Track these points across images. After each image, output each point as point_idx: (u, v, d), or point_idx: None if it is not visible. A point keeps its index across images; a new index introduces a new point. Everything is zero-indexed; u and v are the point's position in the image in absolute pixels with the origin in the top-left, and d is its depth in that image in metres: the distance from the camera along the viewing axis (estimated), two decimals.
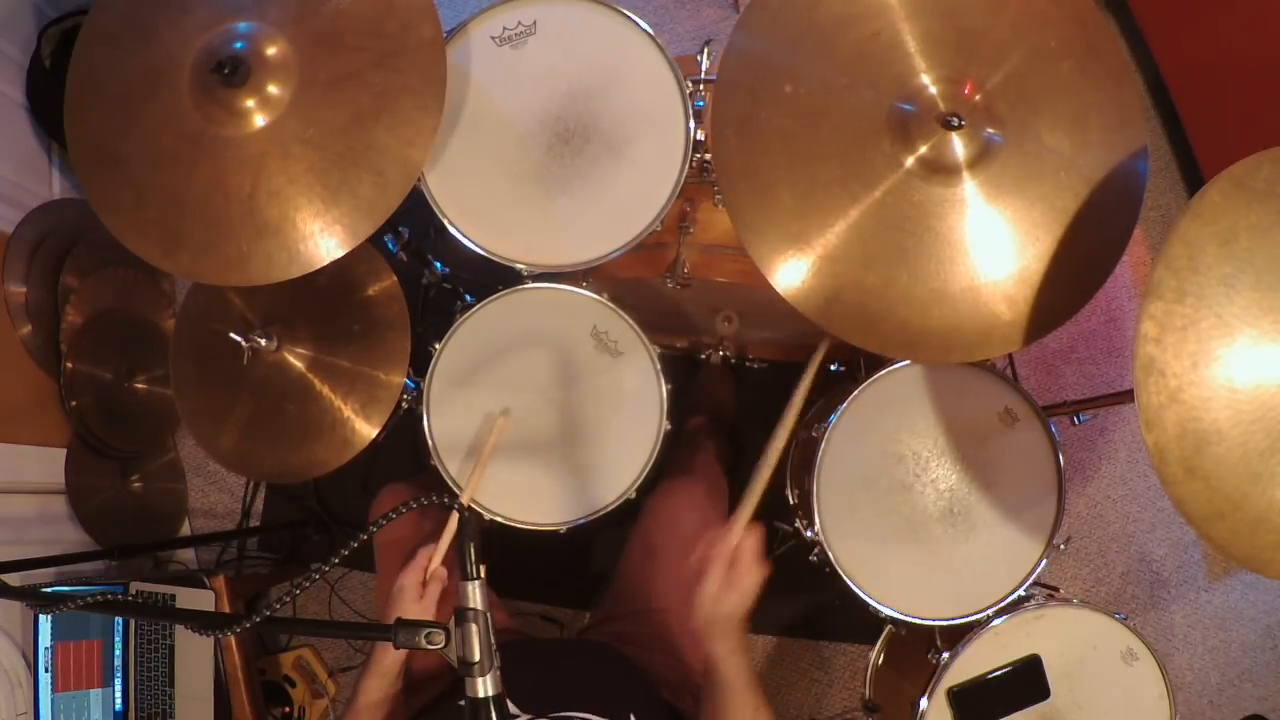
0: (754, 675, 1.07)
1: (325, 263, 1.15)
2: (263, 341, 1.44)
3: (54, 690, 1.66)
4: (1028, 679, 1.35)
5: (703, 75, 1.32)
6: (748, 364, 1.98)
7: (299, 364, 1.50)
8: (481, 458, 1.26)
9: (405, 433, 1.45)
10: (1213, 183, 1.01)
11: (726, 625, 1.04)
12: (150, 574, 2.01)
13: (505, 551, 1.42)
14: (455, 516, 1.16)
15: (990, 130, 1.13)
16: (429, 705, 1.21)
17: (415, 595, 1.14)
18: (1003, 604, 1.34)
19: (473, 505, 1.32)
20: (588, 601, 2.10)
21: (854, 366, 1.69)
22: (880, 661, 1.66)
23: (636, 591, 1.43)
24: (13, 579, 1.01)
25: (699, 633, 1.06)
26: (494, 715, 0.75)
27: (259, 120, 1.16)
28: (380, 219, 1.15)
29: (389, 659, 1.13)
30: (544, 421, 1.36)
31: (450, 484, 1.35)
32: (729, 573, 1.02)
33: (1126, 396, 1.42)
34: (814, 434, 1.41)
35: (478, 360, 1.36)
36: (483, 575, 0.79)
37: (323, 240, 1.15)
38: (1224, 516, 1.00)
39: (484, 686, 0.76)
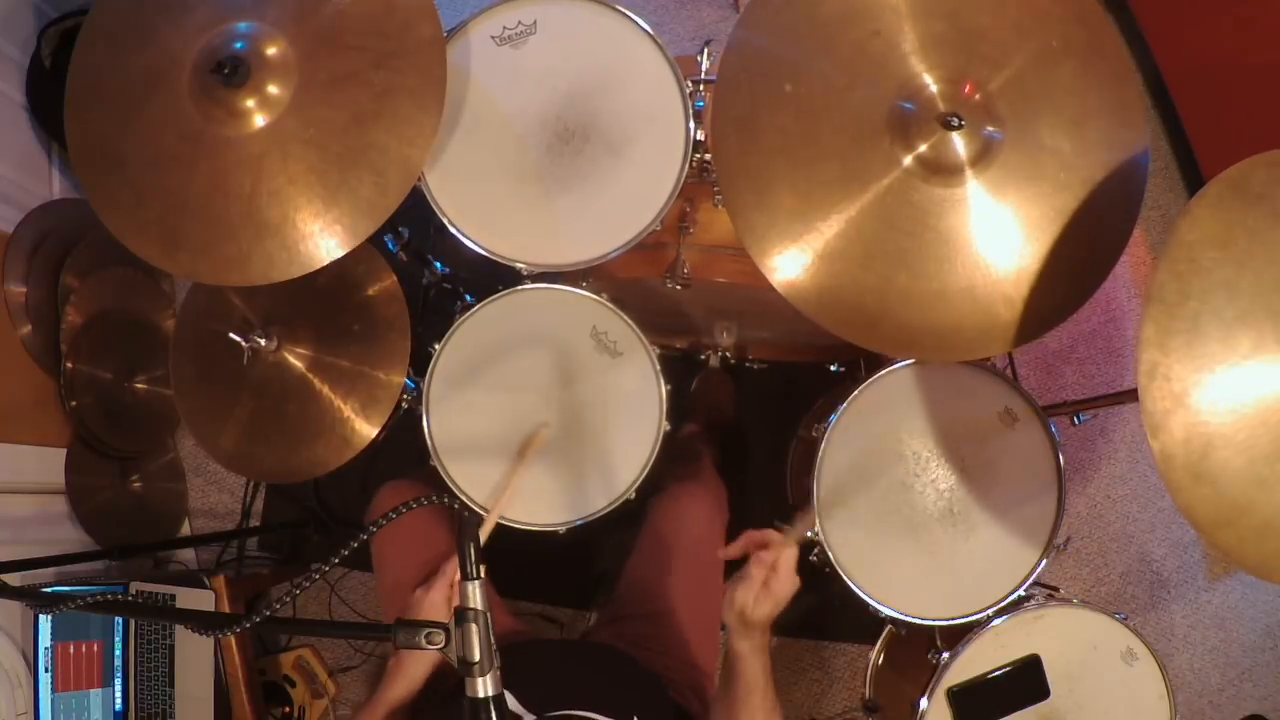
0: (772, 677, 1.09)
1: (325, 263, 1.15)
2: (263, 341, 1.44)
3: (54, 690, 1.66)
4: (1028, 679, 1.35)
5: (703, 75, 1.32)
6: (747, 364, 1.98)
7: (299, 364, 1.50)
8: (518, 466, 1.28)
9: (405, 433, 1.45)
10: (1212, 184, 1.02)
11: (754, 633, 1.07)
12: (150, 574, 2.01)
13: (505, 552, 1.42)
14: (486, 531, 1.19)
15: (990, 130, 1.13)
16: (431, 705, 1.21)
17: (445, 612, 1.15)
18: (1003, 604, 1.33)
19: (464, 500, 1.33)
20: (587, 602, 2.10)
21: (854, 366, 1.69)
22: (880, 661, 1.66)
23: (643, 594, 1.43)
24: (13, 579, 1.01)
25: (729, 628, 1.09)
26: (494, 715, 0.75)
27: (259, 120, 1.16)
28: (380, 219, 1.15)
29: (419, 669, 1.13)
30: (543, 421, 1.35)
31: (453, 486, 1.35)
32: (768, 579, 1.06)
33: (1126, 396, 1.42)
34: (814, 434, 1.41)
35: (477, 360, 1.36)
36: (483, 575, 0.79)
37: (323, 240, 1.15)
38: (1231, 523, 0.99)
39: (484, 686, 0.76)
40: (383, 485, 1.49)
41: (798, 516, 1.15)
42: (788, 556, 1.07)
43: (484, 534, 1.24)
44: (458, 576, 1.14)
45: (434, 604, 1.15)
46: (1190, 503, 0.98)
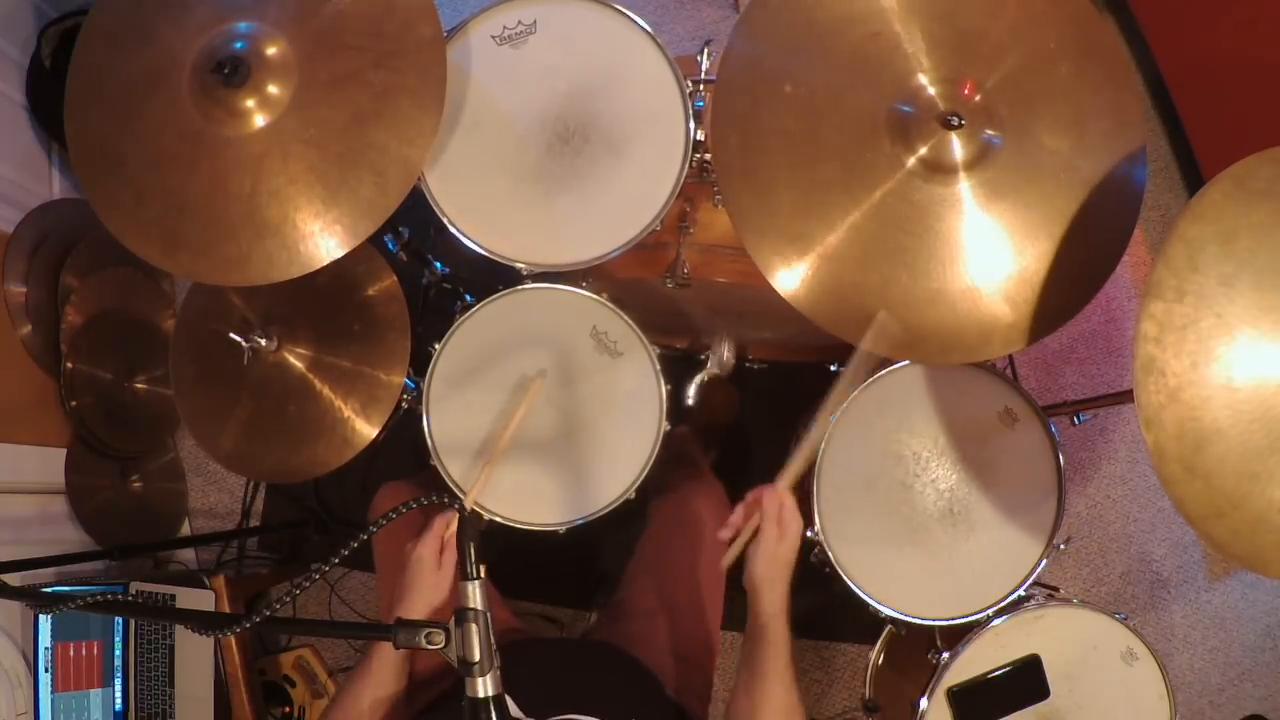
0: (792, 649, 1.12)
1: (325, 263, 1.15)
2: (263, 341, 1.44)
3: (54, 690, 1.66)
4: (1027, 679, 1.35)
5: (703, 75, 1.32)
6: (747, 364, 1.98)
7: (299, 364, 1.50)
8: (512, 423, 1.25)
9: (405, 433, 1.45)
10: (1213, 183, 1.01)
11: (781, 580, 1.11)
12: (150, 574, 2.01)
13: (505, 552, 1.43)
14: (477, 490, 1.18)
15: (989, 131, 1.13)
16: (431, 705, 1.20)
17: (433, 565, 1.13)
18: (1003, 604, 1.34)
19: (476, 505, 1.32)
20: (588, 601, 2.10)
21: None
22: (880, 661, 1.66)
23: (645, 594, 1.43)
24: (13, 579, 1.01)
25: (754, 586, 1.11)
26: (494, 715, 0.75)
27: (259, 120, 1.16)
28: (380, 219, 1.15)
29: (387, 669, 1.12)
30: (544, 422, 1.35)
31: (451, 484, 1.34)
32: (779, 518, 1.10)
33: (1126, 396, 1.42)
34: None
35: (478, 360, 1.36)
36: (483, 575, 0.79)
37: (323, 240, 1.15)
38: (1223, 515, 1.00)
39: (484, 686, 0.76)
40: (382, 486, 1.49)
41: (789, 464, 1.17)
42: (788, 499, 1.12)
43: (475, 493, 1.22)
44: (448, 530, 1.14)
45: (420, 559, 1.13)
46: (1183, 496, 0.99)
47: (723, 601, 1.43)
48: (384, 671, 1.12)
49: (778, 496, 1.12)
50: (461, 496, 1.29)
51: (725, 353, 1.71)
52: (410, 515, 0.83)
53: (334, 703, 1.14)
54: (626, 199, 1.29)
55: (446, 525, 1.15)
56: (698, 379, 1.78)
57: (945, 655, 1.34)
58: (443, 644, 0.75)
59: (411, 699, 1.18)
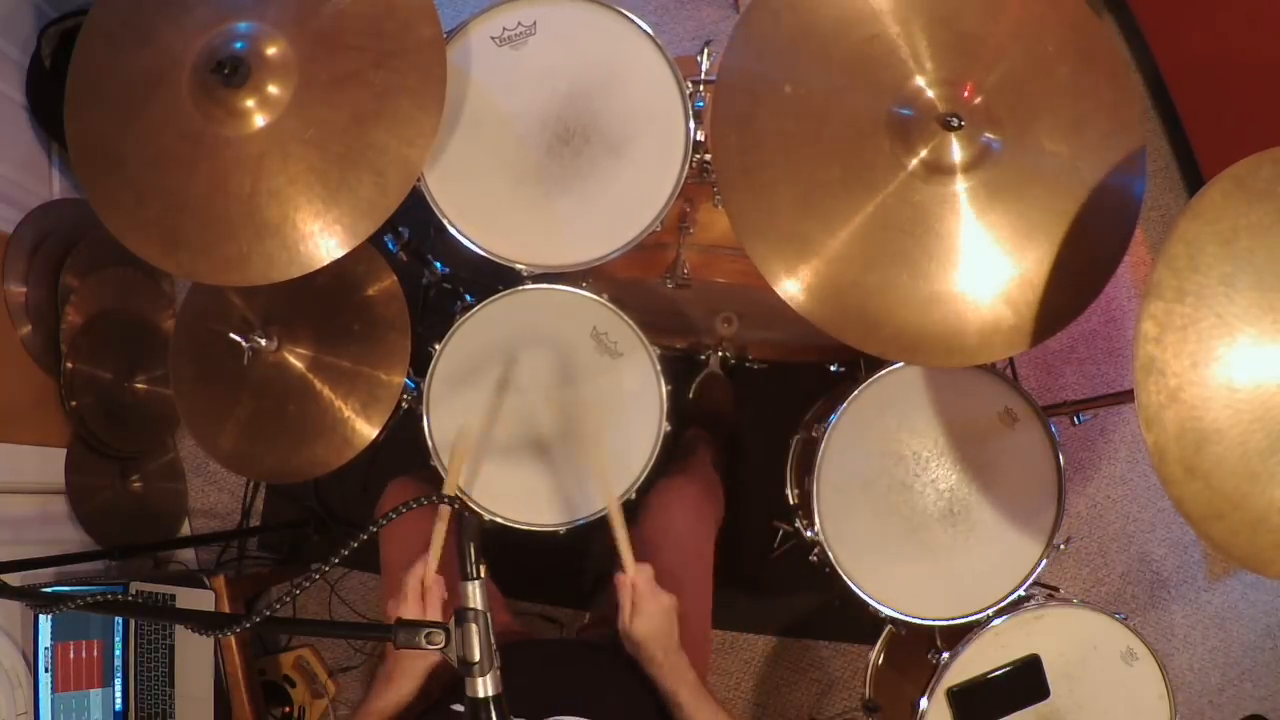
0: (699, 683, 1.14)
1: (325, 263, 1.15)
2: (263, 341, 1.44)
3: (54, 690, 1.66)
4: (1027, 679, 1.35)
5: (703, 76, 1.32)
6: (747, 365, 1.98)
7: (299, 364, 1.50)
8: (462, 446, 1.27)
9: (405, 433, 1.45)
10: (1213, 182, 1.01)
11: (653, 649, 1.13)
12: (150, 574, 2.01)
13: (505, 552, 1.42)
14: (440, 526, 1.17)
15: (989, 133, 1.13)
16: (431, 706, 1.20)
17: (418, 612, 1.14)
18: (1003, 604, 1.34)
19: (461, 497, 1.32)
20: (588, 601, 2.10)
21: (854, 367, 1.69)
22: (880, 661, 1.66)
23: None
24: (13, 579, 1.01)
25: (641, 664, 1.15)
26: (494, 715, 0.75)
27: (259, 120, 1.16)
28: (380, 219, 1.15)
29: (411, 680, 1.12)
30: (544, 422, 1.36)
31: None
32: (633, 606, 1.14)
33: (1126, 396, 1.42)
34: (814, 434, 1.41)
35: (478, 361, 1.36)
36: (483, 575, 0.79)
37: (323, 240, 1.15)
38: (1223, 516, 1.00)
39: (484, 686, 0.76)
40: (390, 481, 1.49)
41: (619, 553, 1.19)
42: (640, 580, 1.15)
43: (453, 484, 1.23)
44: (426, 575, 1.14)
45: (409, 612, 1.14)
46: (1183, 496, 0.99)
47: (710, 599, 1.43)
48: (405, 677, 1.12)
49: (626, 582, 1.16)
50: (451, 497, 1.29)
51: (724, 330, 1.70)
52: (415, 513, 0.83)
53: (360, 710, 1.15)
54: (626, 199, 1.29)
55: (423, 569, 1.15)
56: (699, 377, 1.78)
57: (945, 655, 1.34)
58: (443, 644, 0.75)
59: (406, 706, 1.18)
